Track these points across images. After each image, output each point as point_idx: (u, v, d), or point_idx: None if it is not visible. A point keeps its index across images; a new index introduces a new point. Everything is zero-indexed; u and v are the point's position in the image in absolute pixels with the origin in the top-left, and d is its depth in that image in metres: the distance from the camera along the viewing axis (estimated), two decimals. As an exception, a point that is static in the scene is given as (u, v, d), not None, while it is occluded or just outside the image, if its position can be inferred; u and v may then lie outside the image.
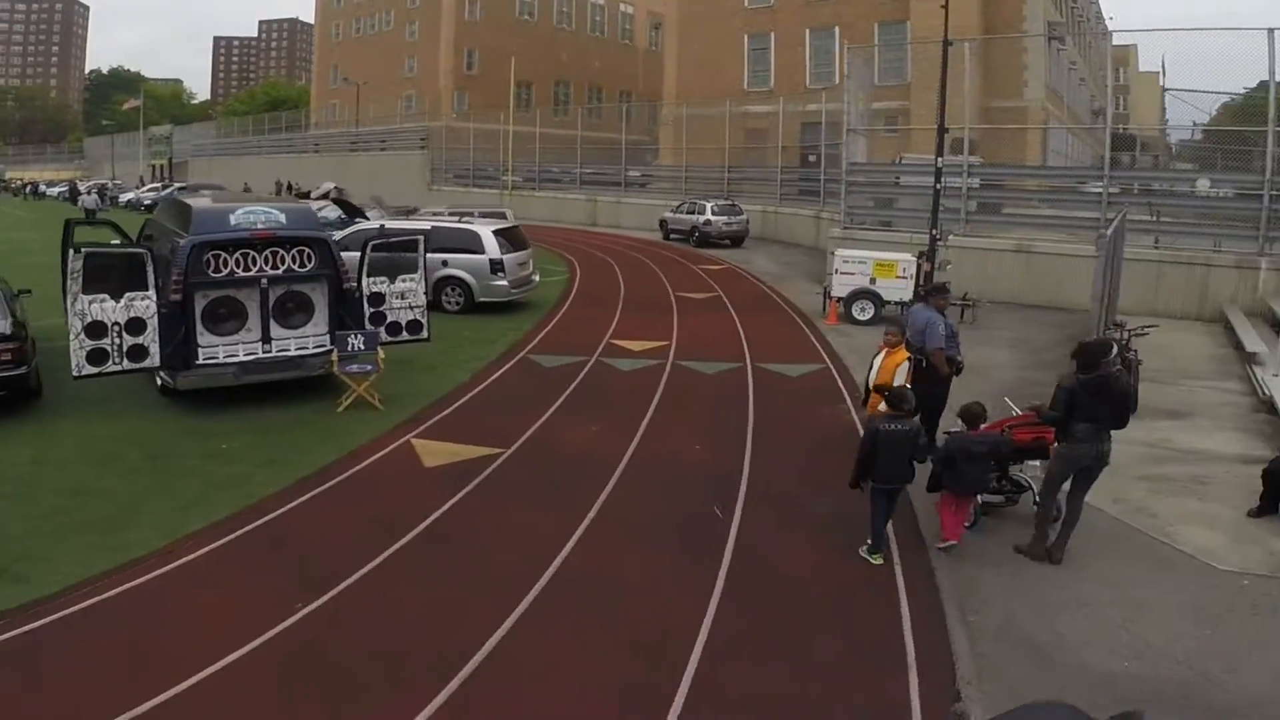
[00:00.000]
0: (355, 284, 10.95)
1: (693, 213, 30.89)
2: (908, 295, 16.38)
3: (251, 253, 10.30)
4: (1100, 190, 19.56)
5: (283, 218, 10.55)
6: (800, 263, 25.22)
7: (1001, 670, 5.35)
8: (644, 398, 11.18)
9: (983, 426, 7.30)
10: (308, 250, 10.57)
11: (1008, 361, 13.58)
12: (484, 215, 21.31)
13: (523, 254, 17.17)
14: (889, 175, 23.53)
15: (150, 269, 9.76)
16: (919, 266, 16.81)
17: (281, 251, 10.43)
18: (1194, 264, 17.48)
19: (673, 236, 31.95)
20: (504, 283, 16.34)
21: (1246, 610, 6.14)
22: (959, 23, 36.96)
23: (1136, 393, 11.08)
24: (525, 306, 17.28)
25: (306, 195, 36.55)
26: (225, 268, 10.21)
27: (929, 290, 10.87)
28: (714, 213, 30.08)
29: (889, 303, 16.59)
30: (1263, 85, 18.27)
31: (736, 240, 30.18)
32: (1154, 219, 18.87)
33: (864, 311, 16.49)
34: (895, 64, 38.43)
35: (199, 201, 11.67)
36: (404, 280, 11.20)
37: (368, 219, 21.74)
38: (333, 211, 24.24)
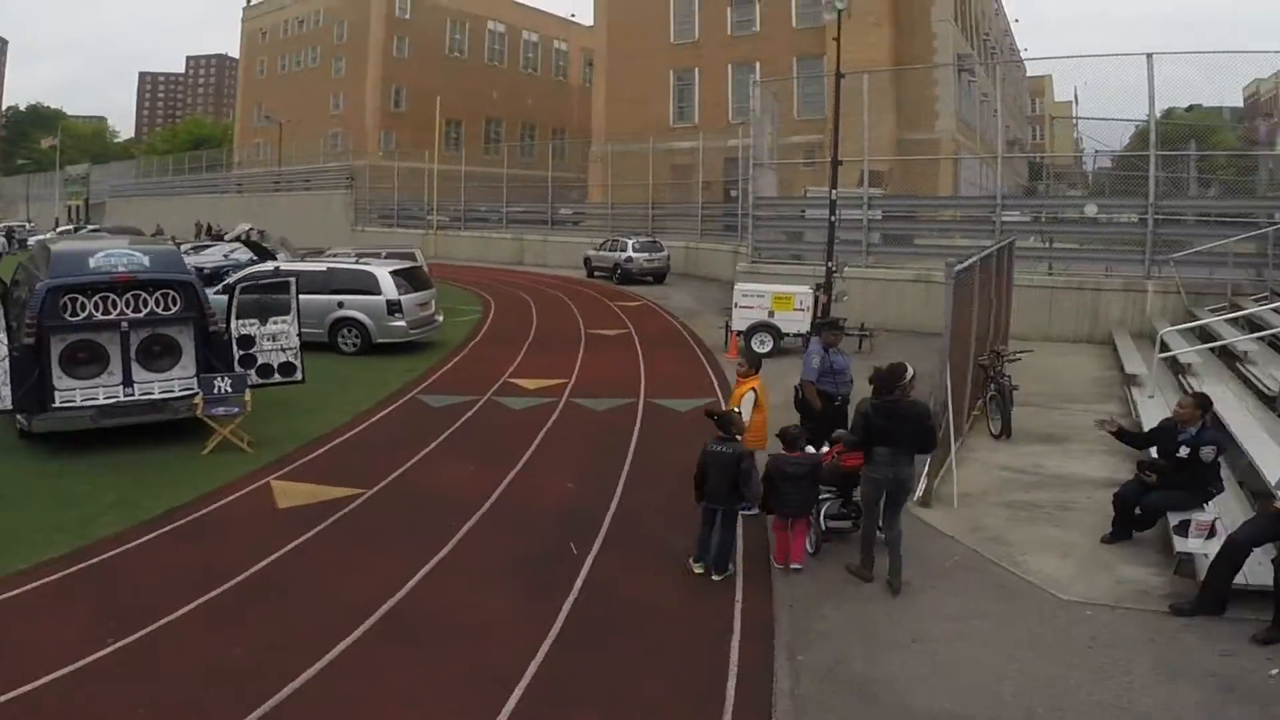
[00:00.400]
0: (223, 326, 10.69)
1: (614, 250, 31.01)
2: (805, 327, 16.61)
3: (112, 296, 10.04)
4: (1011, 218, 20.07)
5: (145, 260, 10.31)
6: (716, 298, 25.31)
7: (820, 712, 5.26)
8: (527, 436, 11.04)
9: (822, 449, 7.43)
10: (172, 293, 10.33)
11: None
12: (390, 256, 21.00)
13: (423, 294, 16.97)
14: (796, 209, 23.87)
15: (1, 312, 9.44)
16: (816, 299, 17.05)
17: (144, 294, 10.18)
18: (1084, 288, 18.02)
19: (596, 274, 31.99)
20: (402, 323, 16.11)
21: (1083, 643, 6.02)
22: (871, 56, 38.25)
23: (1009, 418, 11.29)
24: (428, 347, 17.04)
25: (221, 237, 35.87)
26: (84, 311, 9.95)
27: (818, 325, 11.03)
28: (635, 249, 30.23)
29: (787, 335, 16.74)
30: (1169, 111, 19.04)
31: (659, 277, 30.34)
32: (1047, 245, 19.43)
33: (763, 345, 16.55)
34: (816, 98, 39.23)
35: (60, 245, 11.40)
36: (275, 322, 10.96)
37: (277, 260, 21.34)
38: (245, 254, 23.78)
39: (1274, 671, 5.54)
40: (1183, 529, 6.65)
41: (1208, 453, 7.19)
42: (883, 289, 19.41)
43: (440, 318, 17.70)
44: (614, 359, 16.45)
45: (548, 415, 12.13)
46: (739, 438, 7.10)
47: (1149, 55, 18.01)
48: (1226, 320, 14.30)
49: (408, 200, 43.69)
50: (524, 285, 29.54)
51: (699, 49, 45.04)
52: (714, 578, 6.96)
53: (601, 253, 31.91)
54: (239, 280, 11.65)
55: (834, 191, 17.65)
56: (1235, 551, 6.24)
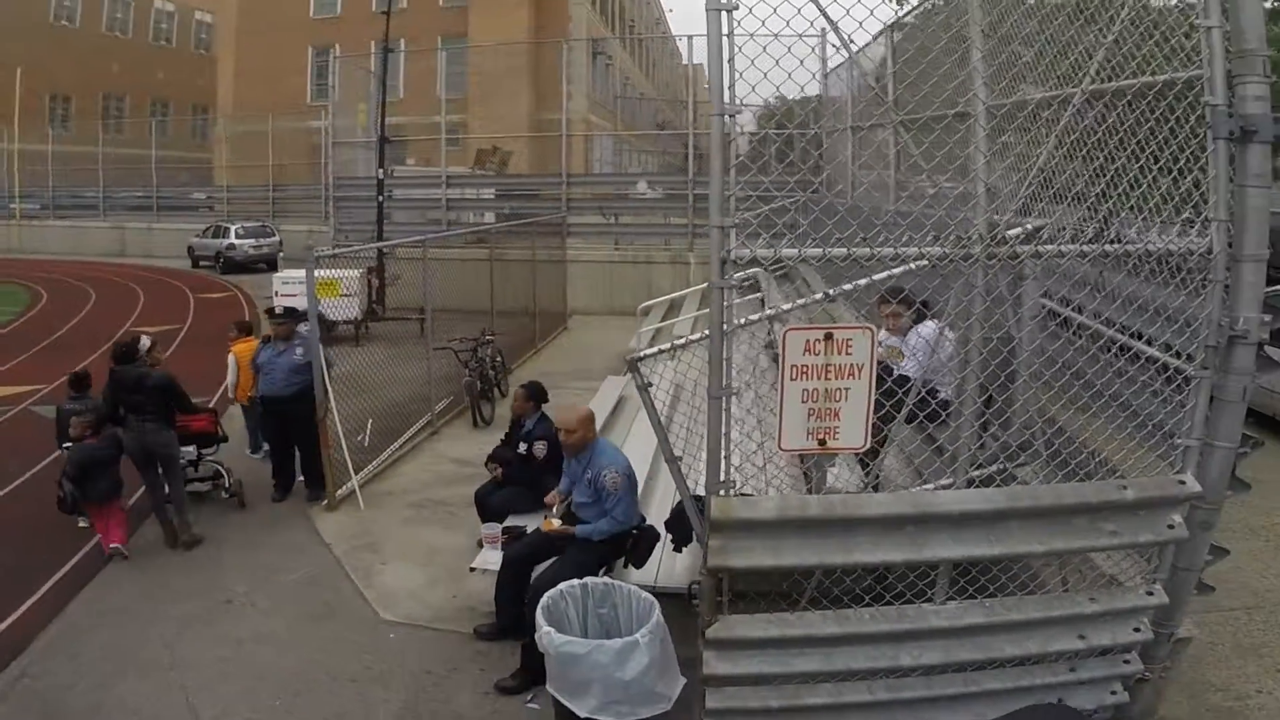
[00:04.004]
0: None
1: (217, 236, 28.50)
2: (354, 313, 16.00)
3: None
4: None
5: None
6: (317, 283, 24.01)
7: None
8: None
9: None
10: None
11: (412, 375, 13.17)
12: None
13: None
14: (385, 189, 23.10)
15: None
16: (369, 283, 16.44)
17: None
18: (637, 262, 18.84)
19: (202, 264, 29.23)
20: None
21: (350, 676, 5.52)
22: (510, 36, 38.22)
23: (478, 405, 11.14)
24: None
25: None
26: None
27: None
28: (239, 235, 27.96)
29: (338, 323, 15.95)
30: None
31: (271, 263, 28.21)
32: (611, 221, 20.14)
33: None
34: (459, 78, 38.71)
35: None
36: None
37: None
38: None
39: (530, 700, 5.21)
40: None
41: (540, 448, 6.83)
42: (451, 269, 19.14)
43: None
44: (132, 360, 14.77)
45: (-16, 429, 10.58)
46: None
47: (690, 38, 19.19)
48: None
49: (-14, 187, 37.48)
50: (104, 279, 26.28)
51: (340, 25, 42.94)
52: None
53: (204, 240, 29.24)
54: None
55: (381, 171, 17.04)
56: (513, 570, 5.75)
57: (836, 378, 3.39)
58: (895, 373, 5.30)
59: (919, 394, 4.03)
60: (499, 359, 12.07)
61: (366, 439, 9.68)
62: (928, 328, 4.98)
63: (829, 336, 3.35)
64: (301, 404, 8.35)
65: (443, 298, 18.15)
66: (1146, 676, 4.04)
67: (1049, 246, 3.46)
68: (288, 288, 15.80)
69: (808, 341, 3.36)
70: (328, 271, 16.32)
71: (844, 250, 3.35)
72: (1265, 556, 6.85)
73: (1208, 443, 3.73)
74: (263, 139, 35.73)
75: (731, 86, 3.48)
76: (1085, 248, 3.46)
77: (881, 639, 3.79)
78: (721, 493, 3.59)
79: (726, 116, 3.41)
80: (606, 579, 5.02)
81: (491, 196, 24.43)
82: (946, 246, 3.42)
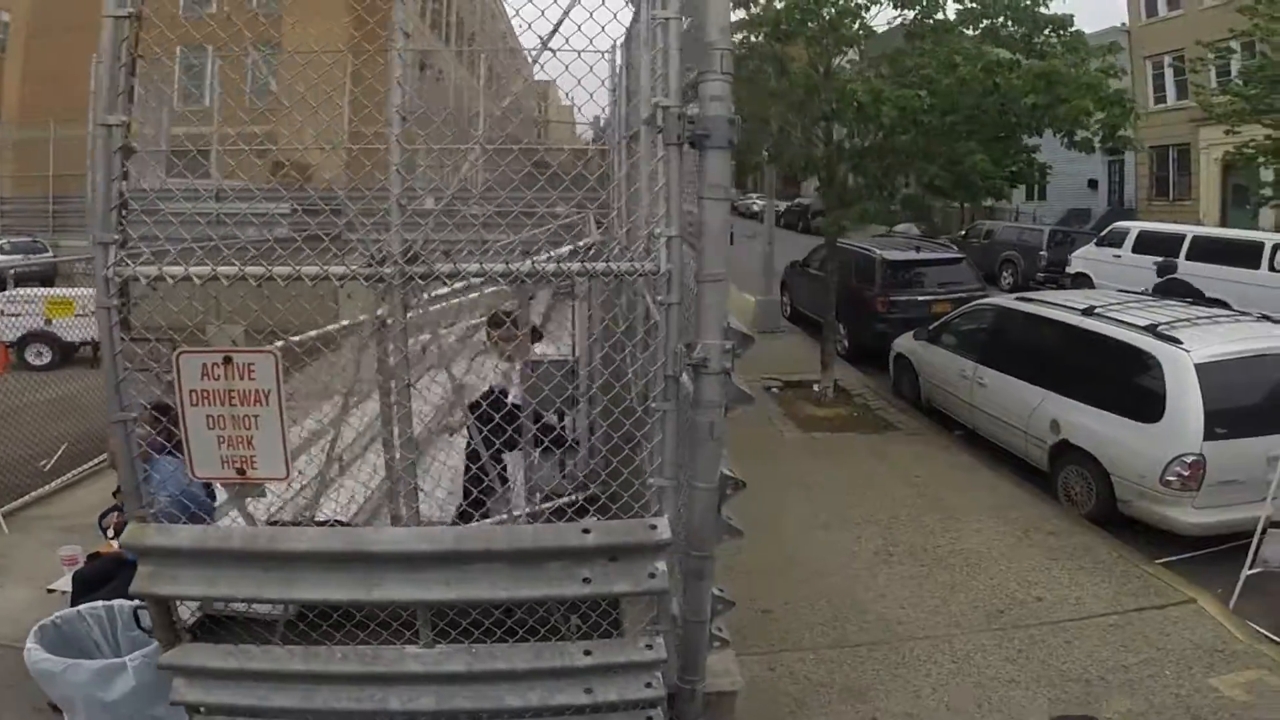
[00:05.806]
0: None
1: (-19, 254, 26.13)
2: (93, 334, 14.87)
3: None
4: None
5: None
6: (89, 302, 22.24)
7: None
8: None
9: None
10: None
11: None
12: None
13: None
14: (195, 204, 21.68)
15: None
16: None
17: None
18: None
19: (-38, 282, 26.68)
20: None
21: None
22: (327, 44, 36.88)
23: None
24: None
25: None
26: None
27: None
28: (4, 251, 25.68)
29: (77, 345, 14.81)
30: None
31: (46, 281, 26.04)
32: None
33: (41, 356, 14.51)
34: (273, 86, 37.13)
35: None
36: None
37: None
38: None
39: None
40: None
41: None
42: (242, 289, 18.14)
43: None
44: None
45: None
46: None
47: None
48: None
49: None
50: None
51: (144, 27, 40.40)
52: None
53: (-34, 259, 26.72)
54: None
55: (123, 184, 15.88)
56: (80, 591, 5.33)
57: (242, 404, 3.13)
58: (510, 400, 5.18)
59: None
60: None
61: (50, 463, 9.27)
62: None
63: (228, 360, 3.09)
64: None
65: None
66: (674, 735, 3.78)
67: (469, 265, 3.28)
68: (13, 306, 14.56)
69: (205, 365, 3.10)
70: (64, 290, 15.28)
71: (235, 268, 3.11)
72: (914, 584, 6.62)
73: (692, 483, 3.42)
74: (47, 147, 33.14)
75: (125, 93, 3.20)
76: (513, 267, 3.30)
77: (365, 680, 3.49)
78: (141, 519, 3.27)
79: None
80: (135, 602, 4.68)
81: (286, 211, 23.36)
82: (352, 266, 3.21)
